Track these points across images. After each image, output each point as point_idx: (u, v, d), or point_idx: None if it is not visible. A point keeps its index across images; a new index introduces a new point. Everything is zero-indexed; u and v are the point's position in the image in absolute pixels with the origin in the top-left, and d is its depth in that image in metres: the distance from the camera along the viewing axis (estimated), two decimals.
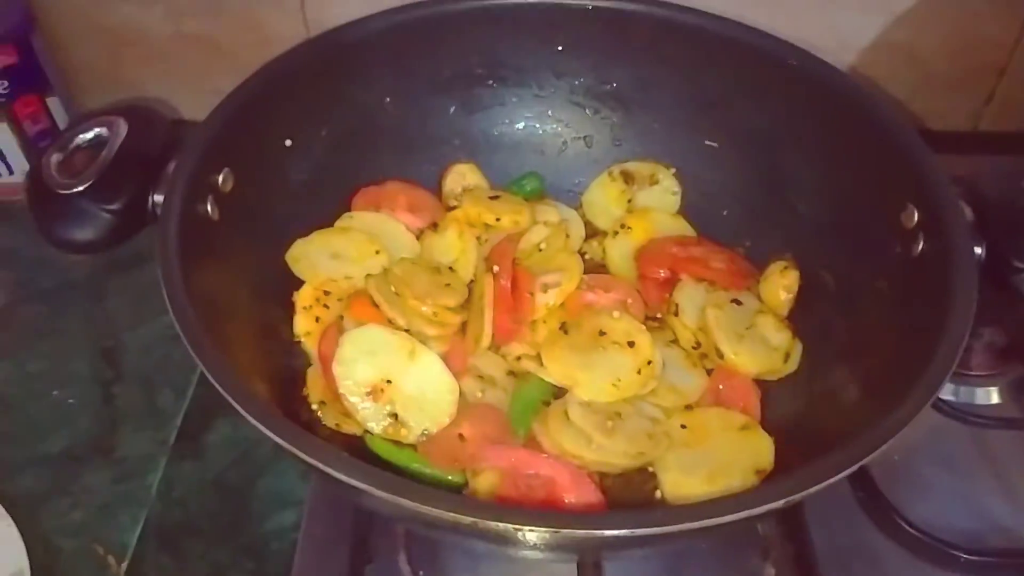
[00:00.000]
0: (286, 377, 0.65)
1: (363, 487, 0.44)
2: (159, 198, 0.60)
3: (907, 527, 0.69)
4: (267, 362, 0.62)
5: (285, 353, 0.67)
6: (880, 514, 0.71)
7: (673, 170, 0.80)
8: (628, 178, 0.80)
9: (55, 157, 0.60)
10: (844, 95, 0.69)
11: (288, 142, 0.71)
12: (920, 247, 0.61)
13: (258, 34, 0.92)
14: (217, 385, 0.49)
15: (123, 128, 0.62)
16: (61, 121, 0.93)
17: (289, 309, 0.69)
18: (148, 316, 0.93)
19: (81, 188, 0.58)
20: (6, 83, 0.85)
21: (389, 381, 0.63)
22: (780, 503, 0.46)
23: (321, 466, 0.46)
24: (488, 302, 0.66)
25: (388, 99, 0.77)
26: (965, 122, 0.99)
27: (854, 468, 0.48)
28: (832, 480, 0.47)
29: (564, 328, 0.67)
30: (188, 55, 1.00)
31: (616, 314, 0.67)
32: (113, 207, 0.59)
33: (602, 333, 0.66)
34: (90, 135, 0.62)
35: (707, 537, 0.58)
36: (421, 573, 0.64)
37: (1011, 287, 0.58)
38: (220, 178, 0.63)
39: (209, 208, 0.62)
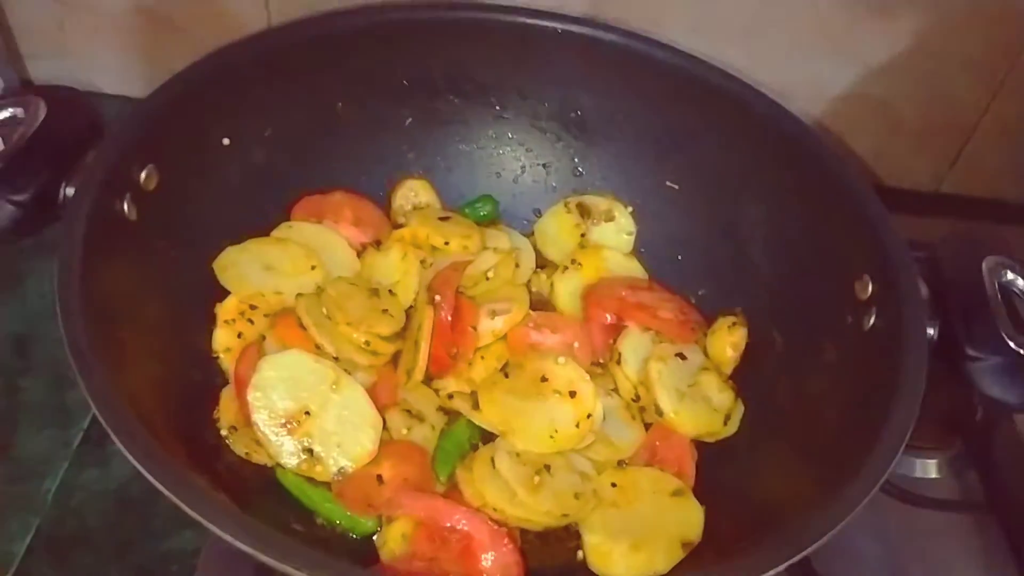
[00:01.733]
0: (197, 395, 0.61)
1: (246, 549, 0.41)
2: (71, 191, 0.56)
3: None
4: (175, 378, 0.58)
5: (200, 369, 0.63)
6: None
7: (631, 208, 0.77)
8: (584, 211, 0.77)
9: None
10: (809, 152, 0.67)
11: (226, 140, 0.66)
12: (872, 321, 0.59)
13: (218, 18, 0.87)
14: (95, 409, 0.45)
15: (41, 111, 0.57)
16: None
17: (210, 322, 0.65)
18: None
19: None
20: None
21: (308, 413, 0.59)
22: None
23: (200, 518, 0.42)
24: (425, 334, 0.62)
25: (341, 103, 0.73)
26: (929, 182, 0.99)
27: (790, 561, 0.46)
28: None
29: (505, 371, 0.64)
30: (142, 31, 0.94)
31: (561, 360, 0.64)
32: (19, 198, 0.54)
33: (544, 379, 0.63)
34: (4, 115, 0.57)
35: None
36: None
37: (961, 373, 0.56)
38: (143, 175, 0.59)
39: (126, 207, 0.57)
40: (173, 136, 0.61)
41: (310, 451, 0.58)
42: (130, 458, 0.44)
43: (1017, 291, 0.59)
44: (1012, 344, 0.55)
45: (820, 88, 0.88)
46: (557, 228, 0.77)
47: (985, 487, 0.71)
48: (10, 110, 0.57)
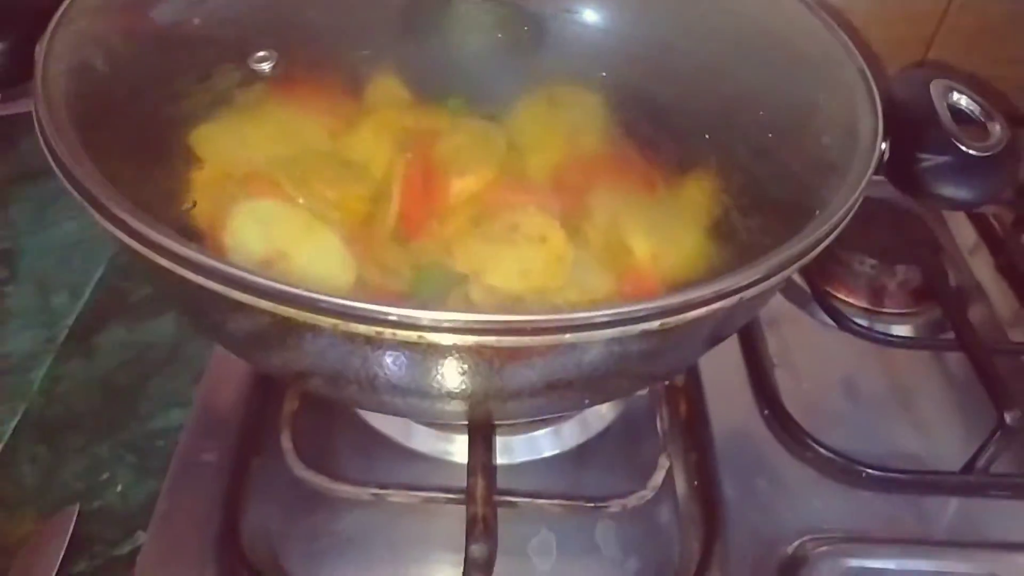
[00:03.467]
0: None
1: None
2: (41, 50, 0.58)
3: (812, 443, 0.68)
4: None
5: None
6: (785, 431, 0.71)
7: None
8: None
9: None
10: None
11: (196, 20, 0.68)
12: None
13: None
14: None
15: None
16: None
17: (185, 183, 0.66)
18: (50, 223, 0.90)
19: None
20: None
21: (283, 256, 0.60)
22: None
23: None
24: (396, 182, 0.64)
25: None
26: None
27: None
28: None
29: (475, 220, 0.66)
30: None
31: (531, 210, 0.65)
32: None
33: (515, 228, 0.65)
34: None
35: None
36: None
37: (912, 179, 0.58)
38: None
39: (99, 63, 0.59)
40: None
41: None
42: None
43: (964, 108, 0.61)
44: (959, 145, 0.57)
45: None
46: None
47: (956, 332, 0.73)
48: None
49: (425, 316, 0.47)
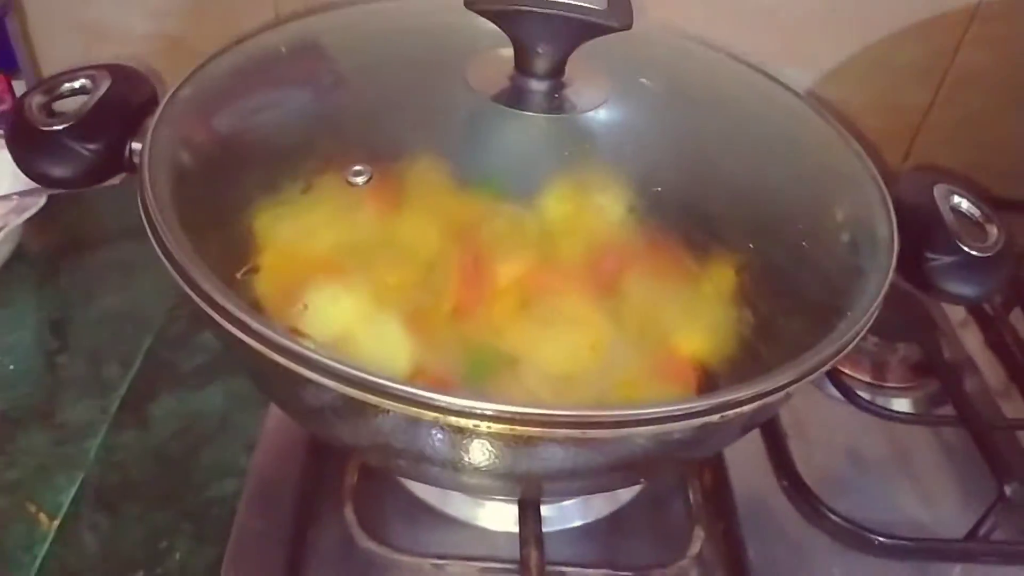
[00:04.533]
0: None
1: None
2: (136, 146, 0.63)
3: (829, 514, 0.73)
4: None
5: None
6: (803, 502, 0.75)
7: None
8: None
9: (38, 99, 0.62)
10: None
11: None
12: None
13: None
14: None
15: (107, 81, 0.65)
16: None
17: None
18: (100, 294, 0.94)
19: (62, 127, 0.61)
20: None
21: (349, 338, 0.64)
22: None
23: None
24: (453, 270, 0.69)
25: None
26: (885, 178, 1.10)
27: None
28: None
29: (522, 305, 0.71)
30: (163, 55, 1.03)
31: (572, 295, 0.71)
32: (92, 147, 0.61)
33: (558, 311, 0.70)
34: (75, 84, 0.64)
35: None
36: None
37: (923, 276, 0.64)
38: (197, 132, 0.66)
39: (185, 159, 0.64)
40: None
41: None
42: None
43: (965, 212, 0.68)
44: (963, 246, 0.64)
45: None
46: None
47: (956, 408, 0.79)
48: (80, 80, 0.65)
49: (488, 407, 0.52)
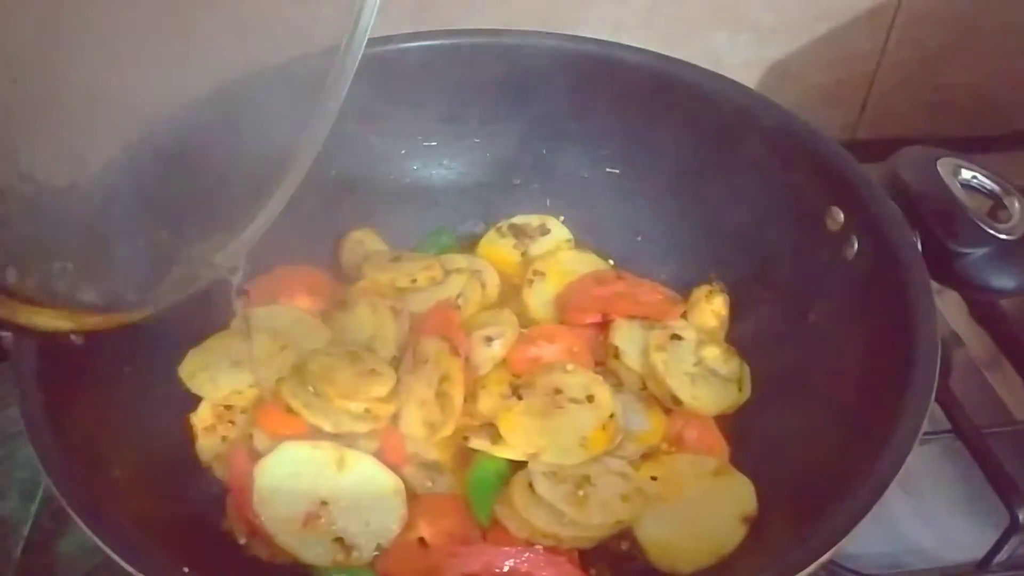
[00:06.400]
0: (207, 510, 0.56)
1: None
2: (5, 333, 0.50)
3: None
4: (176, 502, 0.53)
5: (200, 483, 0.58)
6: None
7: (562, 218, 0.76)
8: (517, 232, 0.76)
9: None
10: (744, 108, 0.67)
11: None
12: (855, 247, 0.59)
13: None
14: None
15: None
16: None
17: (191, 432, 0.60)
18: None
19: None
20: None
21: (324, 503, 0.54)
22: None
23: None
24: (457, 385, 0.59)
25: None
26: (842, 133, 1.01)
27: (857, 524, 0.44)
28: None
29: (517, 392, 0.61)
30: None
31: (569, 367, 0.62)
32: None
33: (558, 391, 0.61)
34: None
35: None
36: None
37: (954, 274, 0.57)
38: None
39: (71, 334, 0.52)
40: None
41: (339, 540, 0.54)
42: None
43: (978, 186, 0.60)
44: (992, 232, 0.56)
45: (722, 59, 0.89)
46: (495, 254, 0.75)
47: (949, 416, 0.70)
48: None
49: None
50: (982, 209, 0.59)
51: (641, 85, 0.70)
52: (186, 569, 0.41)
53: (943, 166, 0.60)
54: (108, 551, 0.40)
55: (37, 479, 0.73)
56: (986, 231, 0.56)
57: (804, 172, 0.63)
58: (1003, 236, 0.56)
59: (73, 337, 0.51)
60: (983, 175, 0.60)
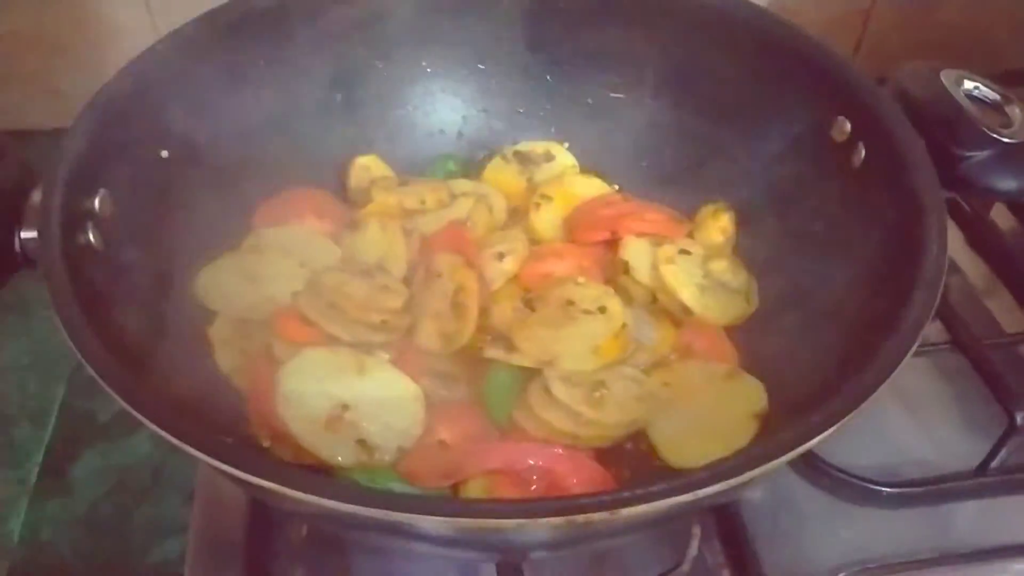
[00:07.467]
0: (229, 418, 0.56)
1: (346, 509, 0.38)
2: (27, 235, 0.50)
3: (829, 469, 0.66)
4: (203, 406, 0.53)
5: (222, 391, 0.58)
6: (801, 460, 0.68)
7: (567, 144, 0.77)
8: (522, 159, 0.76)
9: None
10: (748, 22, 0.67)
11: (164, 153, 0.61)
12: (862, 155, 0.60)
13: (97, 26, 0.81)
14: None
15: None
16: None
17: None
18: None
19: None
20: None
21: (346, 406, 0.55)
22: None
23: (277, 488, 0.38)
24: (472, 296, 0.60)
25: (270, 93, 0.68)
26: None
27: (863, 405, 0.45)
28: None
29: (530, 304, 0.63)
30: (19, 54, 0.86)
31: (581, 280, 0.63)
32: None
33: (570, 303, 0.62)
34: None
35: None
36: None
37: (960, 178, 0.58)
38: (96, 202, 0.53)
39: (91, 237, 0.52)
40: (110, 157, 0.55)
41: (362, 441, 0.54)
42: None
43: (981, 96, 0.61)
44: (995, 135, 0.57)
45: None
46: (501, 180, 0.75)
47: (948, 327, 0.70)
48: None
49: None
50: (985, 116, 0.60)
51: (646, 7, 0.71)
52: (229, 440, 0.42)
53: (946, 77, 0.61)
54: (150, 425, 0.40)
55: (48, 407, 0.74)
56: (989, 134, 0.57)
57: (809, 84, 0.64)
58: (1006, 139, 0.57)
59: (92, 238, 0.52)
60: (985, 85, 0.61)
